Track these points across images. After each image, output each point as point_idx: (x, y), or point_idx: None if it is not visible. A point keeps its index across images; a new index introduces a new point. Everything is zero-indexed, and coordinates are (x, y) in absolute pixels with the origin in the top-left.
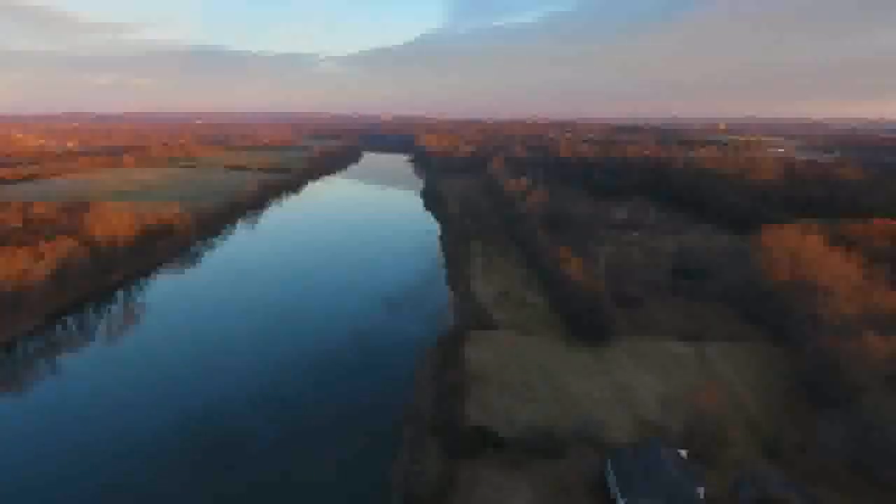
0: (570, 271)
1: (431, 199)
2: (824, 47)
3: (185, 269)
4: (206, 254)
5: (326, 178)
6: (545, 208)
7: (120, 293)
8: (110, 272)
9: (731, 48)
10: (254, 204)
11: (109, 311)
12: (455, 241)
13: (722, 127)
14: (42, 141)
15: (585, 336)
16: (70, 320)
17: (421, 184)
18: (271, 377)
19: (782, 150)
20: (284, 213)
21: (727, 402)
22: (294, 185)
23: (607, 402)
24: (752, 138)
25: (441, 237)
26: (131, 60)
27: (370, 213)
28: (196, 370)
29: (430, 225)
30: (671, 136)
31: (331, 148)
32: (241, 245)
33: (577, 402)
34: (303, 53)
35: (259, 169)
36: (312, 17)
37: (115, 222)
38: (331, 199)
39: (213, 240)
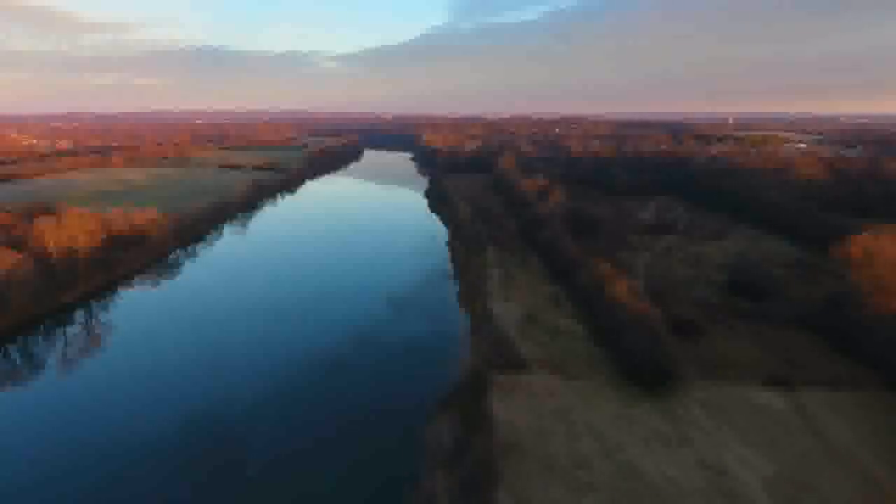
0: (616, 293)
1: (437, 200)
2: (825, 44)
3: (162, 281)
4: (187, 263)
5: (326, 176)
6: (566, 210)
7: (78, 313)
8: (65, 289)
9: (732, 45)
10: (246, 205)
11: (63, 334)
12: (466, 249)
13: (730, 122)
14: (34, 140)
15: (644, 381)
16: (10, 349)
17: (424, 183)
18: (234, 433)
19: (804, 144)
20: (279, 216)
21: (860, 487)
22: (292, 185)
23: (701, 494)
24: (769, 134)
25: (449, 243)
26: (133, 60)
27: (371, 215)
28: (157, 393)
29: (437, 228)
30: (682, 131)
31: (331, 146)
32: (227, 253)
33: (658, 494)
34: (304, 52)
35: (255, 168)
36: (314, 16)
37: (74, 230)
38: (330, 199)
39: (198, 246)
